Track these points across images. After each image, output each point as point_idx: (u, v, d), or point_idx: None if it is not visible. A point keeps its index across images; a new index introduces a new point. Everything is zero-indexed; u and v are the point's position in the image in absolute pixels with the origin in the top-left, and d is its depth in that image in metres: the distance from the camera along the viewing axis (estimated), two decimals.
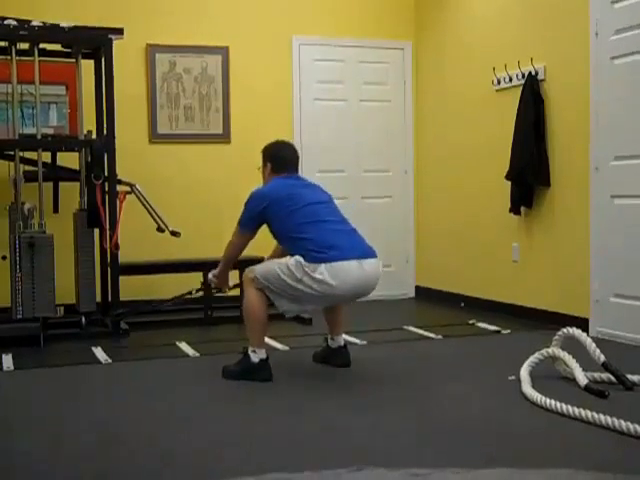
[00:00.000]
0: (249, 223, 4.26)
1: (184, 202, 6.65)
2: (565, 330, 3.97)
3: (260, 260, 6.11)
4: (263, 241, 6.70)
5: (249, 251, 6.50)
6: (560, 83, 5.56)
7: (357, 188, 7.24)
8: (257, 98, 6.89)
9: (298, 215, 4.09)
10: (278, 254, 4.45)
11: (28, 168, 5.60)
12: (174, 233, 5.82)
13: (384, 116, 7.34)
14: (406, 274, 7.46)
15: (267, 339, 5.27)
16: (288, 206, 4.11)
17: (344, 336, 4.56)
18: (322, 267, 3.91)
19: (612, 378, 3.81)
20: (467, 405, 3.57)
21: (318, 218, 4.12)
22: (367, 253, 4.11)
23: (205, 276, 5.94)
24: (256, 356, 4.10)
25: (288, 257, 4.09)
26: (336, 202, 4.40)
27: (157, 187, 6.33)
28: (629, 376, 3.80)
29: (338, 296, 4.05)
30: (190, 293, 5.83)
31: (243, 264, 6.11)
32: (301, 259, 3.95)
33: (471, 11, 6.59)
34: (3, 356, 4.74)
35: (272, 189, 4.24)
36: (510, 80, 6.01)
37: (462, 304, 6.66)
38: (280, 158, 4.38)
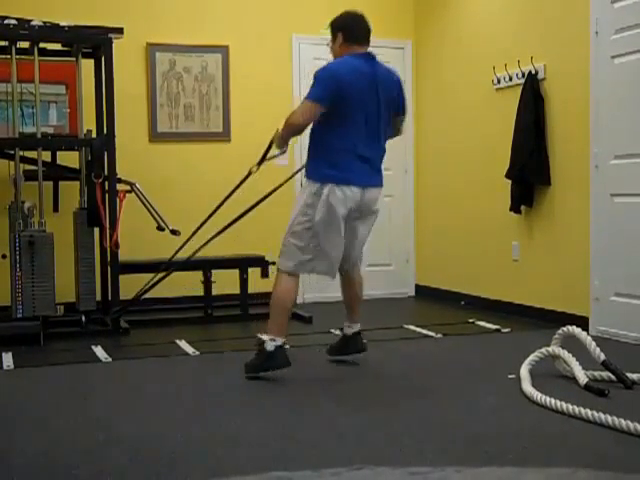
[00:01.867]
0: (324, 95, 4.01)
1: (184, 201, 6.65)
2: (565, 329, 3.98)
3: (260, 259, 6.16)
4: (262, 240, 6.73)
5: (249, 250, 6.54)
6: (560, 82, 5.56)
7: None
8: (257, 97, 6.89)
9: (344, 122, 4.04)
10: None
11: (28, 167, 5.61)
12: (174, 232, 5.82)
13: None
14: (406, 273, 7.46)
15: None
16: (344, 104, 4.01)
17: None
18: (328, 186, 4.05)
19: (612, 377, 3.81)
20: (467, 403, 3.57)
21: (355, 137, 4.07)
22: (373, 182, 4.19)
23: (205, 274, 5.96)
24: (272, 344, 4.06)
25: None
26: None
27: (157, 186, 6.33)
28: (629, 375, 3.80)
29: (341, 216, 4.08)
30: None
31: (244, 263, 6.16)
32: (309, 189, 4.11)
33: (471, 10, 6.59)
34: (3, 355, 4.74)
35: (342, 71, 4.04)
36: (510, 79, 6.01)
37: (463, 302, 6.66)
38: (352, 26, 4.18)
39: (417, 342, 5.18)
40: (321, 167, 4.10)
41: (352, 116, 4.07)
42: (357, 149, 4.10)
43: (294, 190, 7.03)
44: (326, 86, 4.03)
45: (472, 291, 6.63)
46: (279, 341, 4.08)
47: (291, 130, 4.21)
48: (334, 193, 4.05)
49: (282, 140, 4.34)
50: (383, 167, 4.32)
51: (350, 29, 4.19)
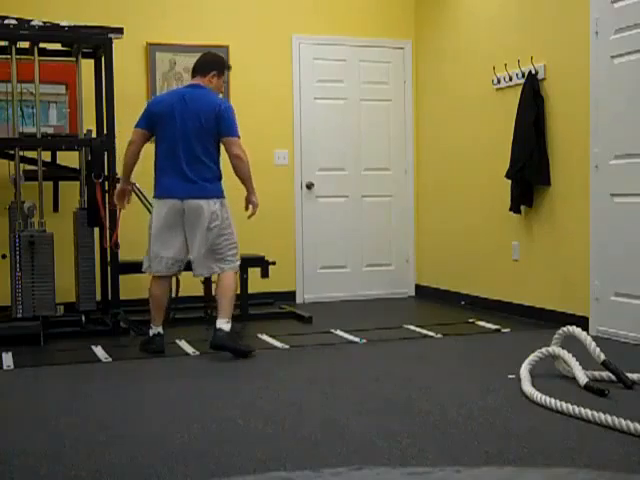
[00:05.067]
0: (140, 121, 4.92)
1: None
2: (565, 329, 3.98)
3: (260, 259, 6.16)
4: (262, 240, 6.73)
5: (249, 250, 6.54)
6: (560, 82, 5.56)
7: (357, 187, 7.25)
8: (257, 97, 6.89)
9: (161, 146, 4.82)
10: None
11: (28, 167, 5.61)
12: None
13: (384, 115, 7.34)
14: (406, 273, 7.46)
15: (267, 337, 5.31)
16: (159, 131, 4.83)
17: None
18: (155, 201, 4.86)
19: (612, 376, 3.81)
20: (467, 404, 3.57)
21: (170, 156, 4.76)
22: (190, 194, 4.73)
23: (205, 277, 5.94)
24: (152, 330, 4.87)
25: None
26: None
27: None
28: (629, 375, 3.81)
29: (165, 223, 4.79)
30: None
31: (244, 263, 6.15)
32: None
33: (471, 10, 6.59)
34: (3, 355, 4.74)
35: (156, 102, 5.03)
36: (510, 79, 6.01)
37: (463, 302, 6.66)
38: (194, 64, 5.00)
39: (417, 342, 5.18)
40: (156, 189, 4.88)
41: (166, 141, 4.79)
42: (173, 168, 4.80)
43: (294, 192, 7.04)
44: (145, 111, 5.02)
45: (472, 291, 6.63)
46: (159, 329, 4.87)
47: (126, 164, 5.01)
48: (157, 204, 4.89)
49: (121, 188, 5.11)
50: None
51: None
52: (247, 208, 4.93)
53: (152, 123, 4.82)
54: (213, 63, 4.93)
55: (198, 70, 4.90)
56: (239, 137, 4.80)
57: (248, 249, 6.56)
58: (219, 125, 4.75)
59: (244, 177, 4.82)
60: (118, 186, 5.05)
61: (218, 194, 4.79)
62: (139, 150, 4.89)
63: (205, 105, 4.76)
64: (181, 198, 4.72)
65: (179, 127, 4.72)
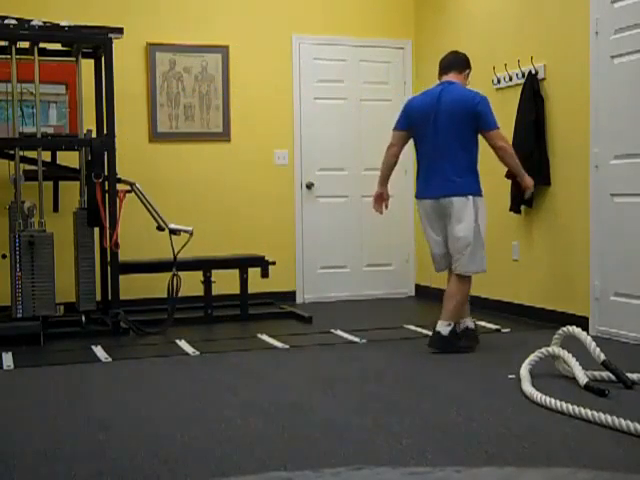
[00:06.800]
0: (399, 123, 5.03)
1: (184, 201, 6.65)
2: (565, 329, 3.98)
3: (260, 259, 6.15)
4: (261, 240, 6.73)
5: (249, 250, 6.55)
6: (560, 82, 5.56)
7: (357, 187, 7.24)
8: (257, 97, 6.89)
9: (421, 148, 4.90)
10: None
11: (28, 167, 5.61)
12: (173, 232, 5.82)
13: (384, 115, 7.31)
14: (406, 273, 7.46)
15: (267, 337, 5.30)
16: (416, 134, 4.92)
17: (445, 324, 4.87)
18: (417, 201, 4.99)
19: (612, 377, 3.81)
20: (467, 404, 3.57)
21: (424, 156, 4.87)
22: (439, 193, 4.75)
23: (205, 274, 5.95)
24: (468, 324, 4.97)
25: None
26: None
27: (157, 186, 6.33)
28: (629, 375, 3.80)
29: (428, 223, 4.88)
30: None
31: (244, 263, 6.16)
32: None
33: (471, 10, 6.58)
34: (3, 355, 4.74)
35: (413, 103, 5.06)
36: (510, 79, 6.01)
37: None
38: (439, 63, 5.08)
39: (417, 342, 5.17)
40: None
41: (421, 144, 4.89)
42: (426, 167, 4.86)
43: (294, 192, 7.04)
44: (399, 115, 5.05)
45: (472, 291, 6.60)
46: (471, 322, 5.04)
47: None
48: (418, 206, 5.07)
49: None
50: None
51: (439, 65, 5.08)
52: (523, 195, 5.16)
53: (411, 125, 4.89)
54: (467, 61, 5.09)
55: (454, 67, 5.00)
56: (498, 128, 4.78)
57: (248, 249, 6.57)
58: (478, 120, 4.74)
59: (510, 167, 4.93)
60: (375, 190, 5.14)
61: (468, 190, 4.73)
62: (399, 152, 4.99)
63: (460, 100, 4.80)
64: (436, 197, 4.77)
65: (436, 126, 4.77)
